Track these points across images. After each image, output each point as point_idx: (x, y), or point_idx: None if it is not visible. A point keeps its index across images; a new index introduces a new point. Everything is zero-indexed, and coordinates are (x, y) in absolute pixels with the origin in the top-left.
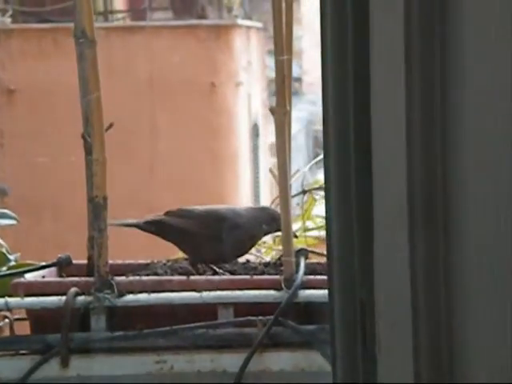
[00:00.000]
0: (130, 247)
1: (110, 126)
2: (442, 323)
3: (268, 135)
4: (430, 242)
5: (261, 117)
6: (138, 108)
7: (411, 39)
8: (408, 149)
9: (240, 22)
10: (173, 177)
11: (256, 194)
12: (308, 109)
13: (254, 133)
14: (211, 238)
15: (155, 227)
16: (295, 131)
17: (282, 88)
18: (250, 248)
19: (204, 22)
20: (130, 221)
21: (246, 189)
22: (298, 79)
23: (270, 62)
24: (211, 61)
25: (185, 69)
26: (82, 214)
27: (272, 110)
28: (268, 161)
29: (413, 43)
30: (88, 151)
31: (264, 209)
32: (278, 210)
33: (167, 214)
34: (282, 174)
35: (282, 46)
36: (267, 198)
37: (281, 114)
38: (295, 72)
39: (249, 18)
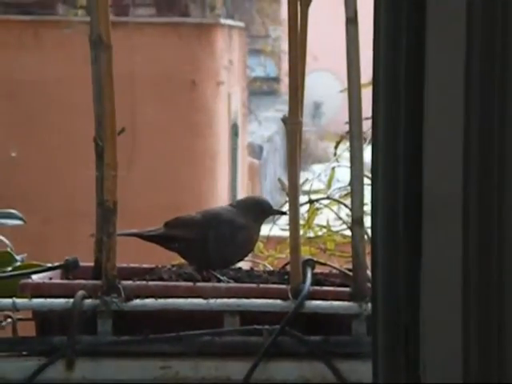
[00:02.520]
0: (126, 250)
1: (122, 130)
2: (493, 349)
3: (247, 135)
4: (484, 264)
5: (240, 116)
6: (118, 104)
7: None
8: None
9: (222, 21)
10: (151, 174)
11: (233, 194)
12: (286, 109)
13: (233, 132)
14: (214, 243)
15: (157, 240)
16: (272, 132)
17: (295, 97)
18: (254, 246)
19: (187, 19)
20: (134, 231)
21: (224, 188)
22: (276, 79)
23: (251, 61)
24: (192, 59)
25: (166, 66)
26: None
27: (284, 120)
28: (246, 160)
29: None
30: (99, 155)
31: (249, 199)
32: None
33: (166, 225)
34: (293, 185)
35: (296, 56)
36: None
37: (293, 123)
38: (273, 72)
39: (231, 17)
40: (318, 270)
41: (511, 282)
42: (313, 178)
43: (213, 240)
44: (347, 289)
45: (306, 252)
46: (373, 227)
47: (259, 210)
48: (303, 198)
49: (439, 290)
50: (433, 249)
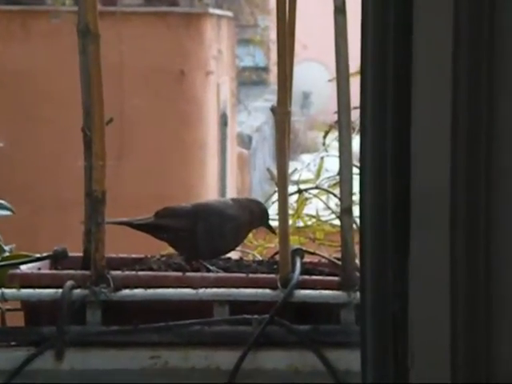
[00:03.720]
0: (116, 240)
1: (110, 120)
2: (481, 337)
3: (236, 125)
4: (472, 251)
5: (229, 106)
6: (106, 94)
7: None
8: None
9: (211, 10)
10: (140, 164)
11: (223, 184)
12: (275, 99)
13: (223, 122)
14: (203, 234)
15: (147, 229)
16: (261, 122)
17: (284, 87)
18: (243, 239)
19: (175, 9)
20: (124, 219)
21: (213, 178)
22: (265, 69)
23: (240, 51)
24: (181, 49)
25: (154, 56)
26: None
27: (273, 110)
28: (235, 150)
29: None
30: (87, 145)
31: (251, 201)
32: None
33: (156, 214)
34: (282, 174)
35: (285, 46)
36: (233, 187)
37: (282, 113)
38: (262, 62)
39: (219, 6)
40: (307, 259)
41: (500, 271)
42: (302, 167)
43: (202, 230)
44: (336, 278)
45: (295, 241)
46: (361, 216)
47: (256, 214)
48: (292, 188)
49: (427, 279)
50: (421, 237)
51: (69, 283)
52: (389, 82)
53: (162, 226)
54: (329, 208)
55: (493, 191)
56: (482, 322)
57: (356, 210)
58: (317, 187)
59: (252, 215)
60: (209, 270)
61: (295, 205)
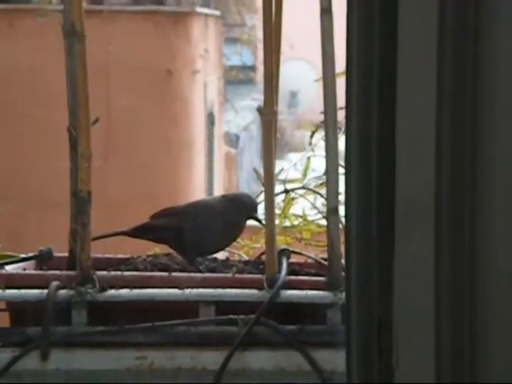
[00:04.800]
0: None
1: (96, 120)
2: (465, 340)
3: (223, 124)
4: (457, 252)
5: (216, 105)
6: (93, 93)
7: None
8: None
9: (198, 9)
10: (127, 164)
11: (210, 183)
12: (262, 98)
13: (210, 121)
14: (192, 232)
15: (143, 232)
16: (249, 121)
17: (270, 87)
18: (237, 235)
19: (162, 8)
20: (118, 230)
21: (200, 177)
22: (253, 68)
23: (227, 50)
24: (168, 47)
25: (141, 55)
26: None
27: (259, 110)
28: (222, 149)
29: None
30: (73, 145)
31: (238, 194)
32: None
33: (152, 216)
34: (268, 174)
35: (272, 45)
36: (221, 186)
37: (268, 114)
38: (249, 61)
39: (207, 5)
40: (294, 259)
41: (485, 272)
42: (289, 167)
43: (189, 228)
44: (322, 278)
45: (281, 242)
46: (347, 216)
47: (243, 208)
48: (279, 188)
49: (412, 280)
50: (406, 238)
51: (54, 284)
52: (374, 82)
53: (156, 226)
54: (315, 208)
55: (477, 193)
56: (466, 323)
57: (342, 210)
58: (303, 187)
59: (240, 208)
60: (199, 271)
61: (282, 204)
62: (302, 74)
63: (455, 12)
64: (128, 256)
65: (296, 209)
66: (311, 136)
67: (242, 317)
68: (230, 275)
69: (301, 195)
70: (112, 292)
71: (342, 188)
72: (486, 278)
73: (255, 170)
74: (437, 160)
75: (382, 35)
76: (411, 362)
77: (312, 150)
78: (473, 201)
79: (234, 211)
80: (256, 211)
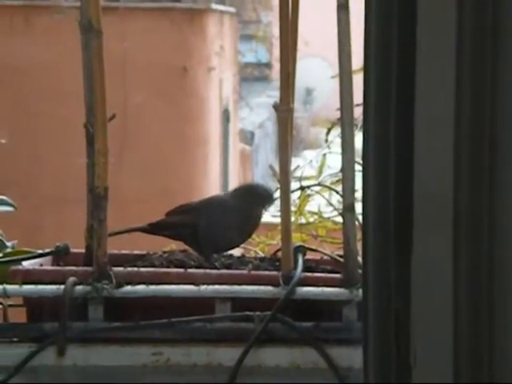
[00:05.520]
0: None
1: (113, 116)
2: (483, 340)
3: (238, 121)
4: (474, 251)
5: (231, 102)
6: (109, 90)
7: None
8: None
9: (214, 6)
10: (142, 161)
11: (225, 180)
12: (277, 95)
13: (225, 118)
14: (206, 228)
15: (159, 229)
16: (264, 118)
17: (286, 84)
18: (250, 230)
19: (178, 5)
20: (134, 226)
21: (215, 174)
22: (268, 65)
23: (242, 47)
24: (184, 44)
25: (157, 52)
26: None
27: (275, 107)
28: (237, 147)
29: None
30: (89, 141)
31: (252, 185)
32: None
33: (168, 213)
34: (284, 171)
35: (288, 42)
36: (236, 183)
37: (284, 110)
38: (264, 58)
39: (222, 2)
40: (309, 256)
41: (503, 266)
42: (304, 164)
43: (204, 224)
44: (338, 275)
45: (297, 238)
46: (364, 213)
47: (257, 200)
48: (295, 185)
49: (430, 277)
50: (424, 235)
51: (71, 279)
52: (392, 79)
53: (169, 223)
54: (331, 205)
55: (496, 192)
56: (485, 322)
57: (359, 207)
58: (319, 184)
59: (254, 200)
60: (215, 267)
61: (297, 201)
62: (318, 70)
63: (474, 11)
64: (144, 252)
65: (312, 206)
66: (327, 133)
67: (258, 313)
68: (245, 272)
69: (316, 192)
70: (128, 288)
71: (358, 185)
72: (505, 275)
73: (271, 167)
74: (455, 158)
75: (402, 30)
76: (429, 361)
77: (328, 147)
78: (491, 198)
79: (248, 204)
80: (272, 200)
